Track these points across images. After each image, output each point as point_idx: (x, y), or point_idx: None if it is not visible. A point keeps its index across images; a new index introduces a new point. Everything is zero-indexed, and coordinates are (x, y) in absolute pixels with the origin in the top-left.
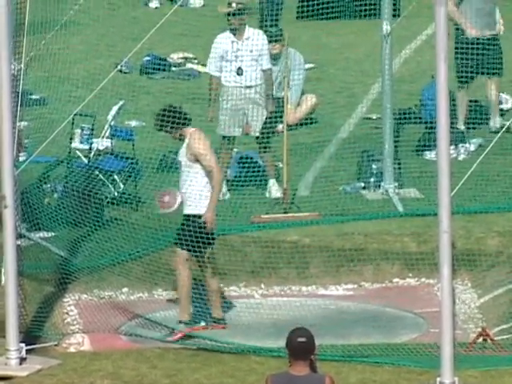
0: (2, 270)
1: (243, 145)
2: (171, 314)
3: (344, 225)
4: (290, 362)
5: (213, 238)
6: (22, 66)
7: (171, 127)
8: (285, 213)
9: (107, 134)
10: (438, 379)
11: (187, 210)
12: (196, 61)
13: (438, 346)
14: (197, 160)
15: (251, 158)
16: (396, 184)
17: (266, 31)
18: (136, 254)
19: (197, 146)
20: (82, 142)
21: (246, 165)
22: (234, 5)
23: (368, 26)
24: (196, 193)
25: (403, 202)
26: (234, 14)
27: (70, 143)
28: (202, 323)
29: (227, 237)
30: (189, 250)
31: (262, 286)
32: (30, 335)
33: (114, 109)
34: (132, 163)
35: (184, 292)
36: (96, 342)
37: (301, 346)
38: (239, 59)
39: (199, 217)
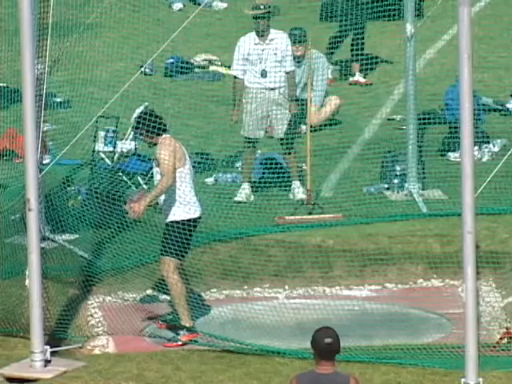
0: (27, 273)
1: (267, 147)
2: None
3: (368, 226)
4: (316, 361)
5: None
6: (46, 68)
7: (147, 131)
8: (309, 214)
9: (131, 136)
10: (463, 380)
11: (167, 218)
12: (219, 63)
13: (462, 347)
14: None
15: (275, 160)
16: (420, 185)
17: (289, 33)
18: (160, 256)
19: (158, 152)
20: (105, 144)
21: (270, 167)
22: (261, 7)
23: (391, 27)
24: (170, 198)
25: (427, 203)
26: (262, 17)
27: (94, 145)
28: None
29: (251, 238)
30: (176, 257)
31: (286, 287)
32: (55, 337)
33: (138, 111)
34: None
35: (181, 299)
36: (120, 344)
37: (328, 346)
38: (263, 61)
39: (178, 222)
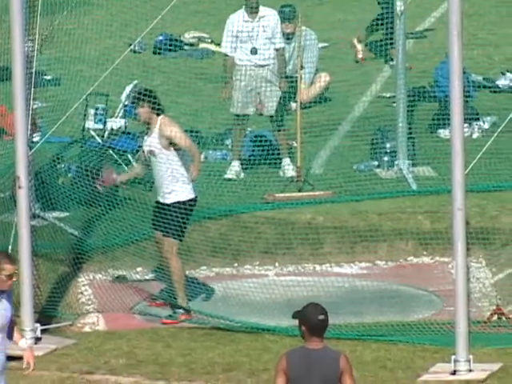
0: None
1: (257, 124)
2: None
3: (358, 203)
4: (305, 338)
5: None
6: (36, 46)
7: (150, 107)
8: (299, 191)
9: (121, 113)
10: (453, 357)
11: (169, 199)
12: (209, 40)
13: (453, 323)
14: (170, 144)
15: (265, 137)
16: (410, 162)
17: (279, 10)
18: (150, 233)
19: (169, 129)
20: (95, 122)
21: (260, 144)
22: None
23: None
24: (173, 179)
25: (417, 180)
26: None
27: (84, 123)
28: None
29: (241, 216)
30: (179, 238)
31: (276, 264)
32: (45, 315)
33: (128, 88)
34: None
35: (181, 280)
36: (110, 322)
37: (321, 323)
38: (253, 38)
39: (183, 203)
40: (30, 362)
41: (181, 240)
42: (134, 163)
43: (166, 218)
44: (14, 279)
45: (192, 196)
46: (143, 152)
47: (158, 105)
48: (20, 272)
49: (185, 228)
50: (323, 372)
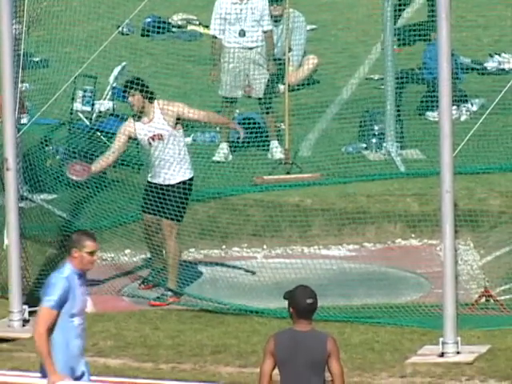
0: (5, 233)
1: (245, 106)
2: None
3: (346, 185)
4: (293, 319)
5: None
6: (24, 28)
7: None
8: (287, 174)
9: (109, 95)
10: (441, 339)
11: (175, 180)
12: (197, 22)
13: (441, 306)
14: (177, 123)
15: (253, 120)
16: (398, 144)
17: None
18: (138, 215)
19: (174, 107)
20: (83, 104)
21: (248, 126)
22: None
23: None
24: (182, 159)
25: (405, 163)
26: None
27: (72, 105)
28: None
29: (229, 198)
30: (180, 220)
31: (264, 247)
32: (33, 297)
33: (116, 70)
34: None
35: (176, 263)
36: (99, 304)
37: (309, 306)
38: (241, 20)
39: (186, 182)
40: None
41: (180, 221)
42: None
43: (166, 199)
44: (95, 257)
45: (192, 174)
46: (139, 139)
47: (149, 91)
48: (8, 254)
49: (185, 208)
50: (310, 354)
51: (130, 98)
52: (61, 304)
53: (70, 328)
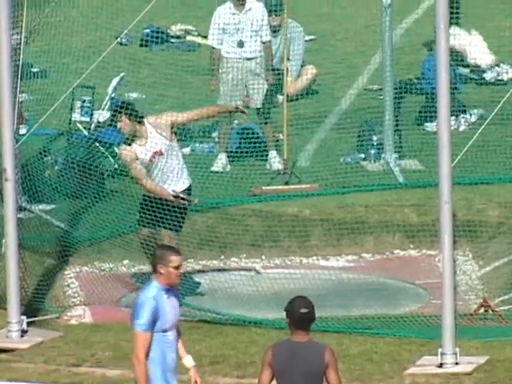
0: (3, 242)
1: (244, 116)
2: None
3: (344, 196)
4: (291, 330)
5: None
6: (22, 38)
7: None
8: (285, 184)
9: (107, 106)
10: (440, 350)
11: (187, 183)
12: (196, 33)
13: (439, 316)
14: (172, 133)
15: (251, 130)
16: (396, 155)
17: (266, 3)
18: (136, 226)
19: (164, 118)
20: (82, 115)
21: (247, 136)
22: None
23: None
24: (181, 169)
25: (404, 173)
26: None
27: (71, 116)
28: None
29: (227, 209)
30: (179, 230)
31: (263, 257)
32: (31, 308)
33: (114, 81)
34: None
35: None
36: (97, 315)
37: (304, 316)
38: (240, 31)
39: (185, 192)
40: (197, 382)
41: (179, 232)
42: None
43: (165, 210)
44: (181, 271)
45: (191, 181)
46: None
47: (136, 112)
48: (6, 265)
49: (184, 218)
50: (308, 365)
51: (120, 124)
52: (152, 324)
53: (165, 342)
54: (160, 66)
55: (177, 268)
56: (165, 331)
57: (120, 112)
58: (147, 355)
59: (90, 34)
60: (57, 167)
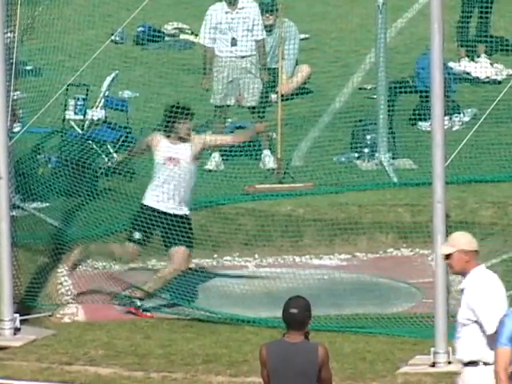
0: None
1: (237, 115)
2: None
3: (338, 195)
4: (286, 331)
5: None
6: (16, 36)
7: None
8: (279, 183)
9: (101, 104)
10: (432, 349)
11: (187, 210)
12: (190, 31)
13: (432, 316)
14: (199, 154)
15: (245, 129)
16: (390, 154)
17: (260, 2)
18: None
19: (200, 136)
20: (76, 113)
21: None
22: None
23: None
24: (192, 191)
25: (397, 173)
26: None
27: (64, 113)
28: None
29: (221, 207)
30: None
31: (256, 256)
32: (24, 306)
33: (108, 79)
34: (126, 133)
35: (165, 282)
36: (90, 313)
37: (293, 316)
38: (233, 29)
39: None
40: None
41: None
42: (113, 153)
43: (180, 228)
44: None
45: (185, 212)
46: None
47: (190, 115)
48: (0, 263)
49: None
50: (300, 366)
51: (181, 126)
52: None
53: None
54: (154, 64)
55: None
56: None
57: (188, 115)
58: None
59: (84, 32)
60: (50, 165)
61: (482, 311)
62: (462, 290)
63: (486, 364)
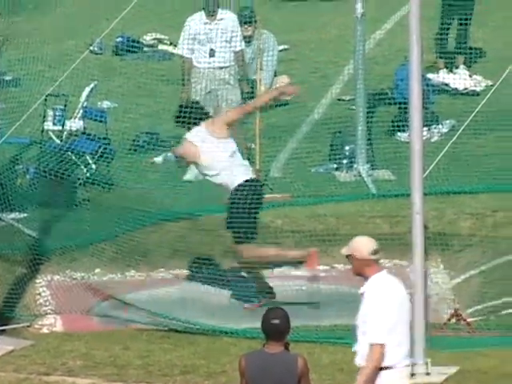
0: None
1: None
2: (143, 294)
3: (316, 206)
4: (265, 341)
5: None
6: None
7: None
8: None
9: (80, 114)
10: (411, 360)
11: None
12: (168, 42)
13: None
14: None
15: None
16: (369, 165)
17: (238, 13)
18: (108, 234)
19: (222, 119)
20: (54, 123)
21: None
22: None
23: (341, 7)
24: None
25: (376, 184)
26: None
27: (43, 124)
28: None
29: (199, 218)
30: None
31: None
32: (2, 316)
33: (87, 89)
34: (104, 144)
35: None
36: (68, 323)
37: (274, 327)
38: (211, 40)
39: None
40: None
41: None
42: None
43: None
44: None
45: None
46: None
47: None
48: None
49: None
50: (280, 376)
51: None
52: None
53: None
54: (133, 74)
55: None
56: None
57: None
58: None
59: (64, 42)
60: (28, 176)
61: (371, 321)
62: (361, 295)
63: (386, 368)
